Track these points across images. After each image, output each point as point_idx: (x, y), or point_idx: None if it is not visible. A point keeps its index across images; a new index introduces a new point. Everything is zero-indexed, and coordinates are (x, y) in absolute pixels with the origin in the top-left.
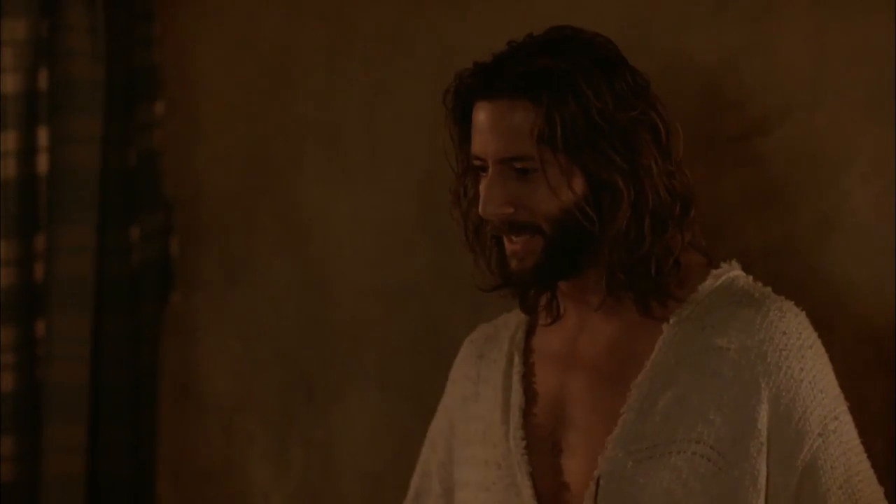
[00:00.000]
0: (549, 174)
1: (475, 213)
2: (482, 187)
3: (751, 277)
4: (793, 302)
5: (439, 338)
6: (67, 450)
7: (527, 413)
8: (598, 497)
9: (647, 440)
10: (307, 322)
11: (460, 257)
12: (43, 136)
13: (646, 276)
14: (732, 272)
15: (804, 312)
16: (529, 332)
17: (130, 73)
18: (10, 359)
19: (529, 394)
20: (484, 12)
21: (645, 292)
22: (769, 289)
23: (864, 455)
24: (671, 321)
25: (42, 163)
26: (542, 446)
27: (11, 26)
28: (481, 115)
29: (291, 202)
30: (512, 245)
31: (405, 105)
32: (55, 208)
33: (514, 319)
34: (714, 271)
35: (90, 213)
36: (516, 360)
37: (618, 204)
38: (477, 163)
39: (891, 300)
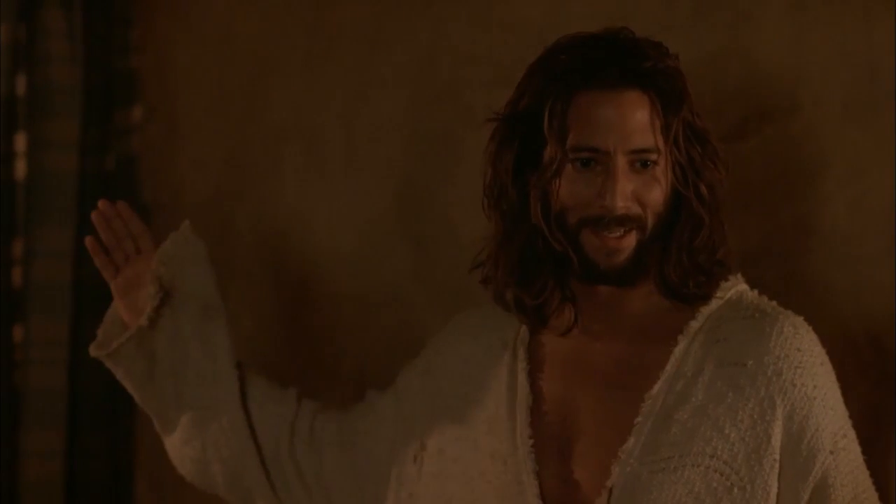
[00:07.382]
0: (666, 169)
1: (539, 208)
2: (607, 180)
3: (755, 291)
4: (802, 318)
5: (417, 343)
6: (46, 455)
7: (533, 412)
8: None
9: (662, 452)
10: (285, 327)
11: (439, 262)
12: (21, 141)
13: (700, 266)
14: (739, 286)
15: (811, 328)
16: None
17: (109, 78)
18: None
19: (536, 392)
20: (462, 16)
21: (690, 275)
22: (775, 303)
23: (867, 472)
24: (684, 333)
25: (20, 168)
26: (548, 448)
27: None
28: (602, 107)
29: (269, 207)
30: (604, 241)
31: (383, 110)
32: (33, 213)
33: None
34: (723, 283)
35: (68, 218)
36: (521, 354)
37: (717, 198)
38: (584, 155)
39: (868, 305)
